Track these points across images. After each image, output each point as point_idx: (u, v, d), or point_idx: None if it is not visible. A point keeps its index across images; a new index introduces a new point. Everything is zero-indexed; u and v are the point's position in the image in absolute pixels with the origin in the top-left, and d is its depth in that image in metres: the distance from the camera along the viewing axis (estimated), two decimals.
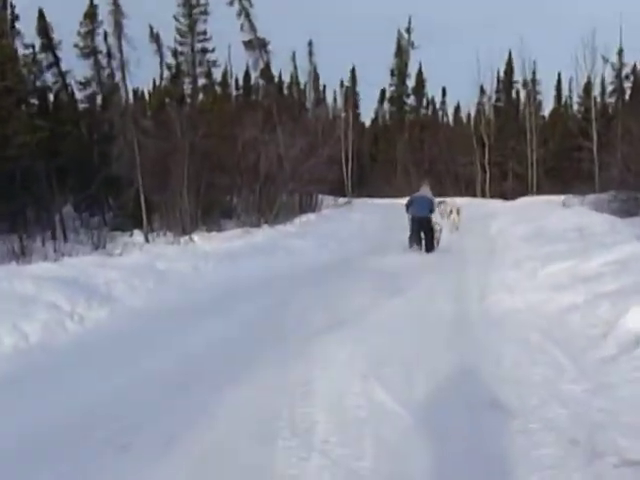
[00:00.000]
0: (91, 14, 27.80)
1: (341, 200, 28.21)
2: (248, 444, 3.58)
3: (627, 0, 49.15)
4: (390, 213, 24.26)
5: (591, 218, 14.19)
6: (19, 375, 4.68)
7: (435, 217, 14.57)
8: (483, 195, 39.04)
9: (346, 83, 47.83)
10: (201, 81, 33.38)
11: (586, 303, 6.26)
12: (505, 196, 35.10)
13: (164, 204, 20.23)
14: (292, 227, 15.65)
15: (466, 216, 19.51)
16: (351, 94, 46.45)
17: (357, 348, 5.42)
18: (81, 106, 29.63)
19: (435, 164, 40.38)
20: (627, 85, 38.69)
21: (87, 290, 6.74)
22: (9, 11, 25.36)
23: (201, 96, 33.20)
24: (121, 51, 24.13)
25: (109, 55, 28.05)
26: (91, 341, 5.73)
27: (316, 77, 45.55)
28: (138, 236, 19.82)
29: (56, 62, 27.47)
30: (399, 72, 46.40)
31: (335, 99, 49.00)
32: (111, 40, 26.69)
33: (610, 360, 4.70)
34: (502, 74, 43.42)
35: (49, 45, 27.22)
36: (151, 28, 32.45)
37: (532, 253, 9.89)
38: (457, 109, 50.14)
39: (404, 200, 15.16)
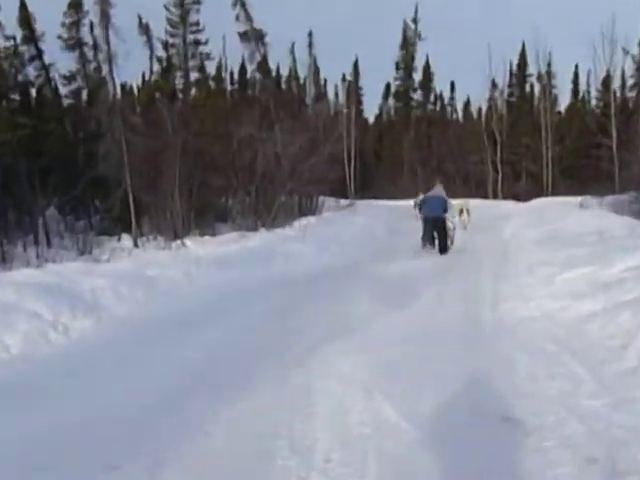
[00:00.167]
0: (76, 4, 27.88)
1: (343, 202, 28.23)
2: (245, 463, 3.58)
3: None
4: (395, 215, 24.36)
5: (610, 221, 14.17)
6: None
7: (449, 217, 14.74)
8: (495, 196, 39.08)
9: (348, 77, 48.06)
10: (193, 75, 33.54)
11: (606, 312, 6.25)
12: (518, 197, 35.13)
13: (154, 206, 20.22)
14: (291, 231, 15.64)
15: (476, 218, 19.54)
16: (354, 89, 46.60)
17: (360, 360, 5.41)
18: (65, 102, 29.70)
19: (443, 163, 40.44)
20: None
21: (72, 298, 6.74)
22: None
23: (194, 91, 33.31)
24: (108, 43, 24.12)
25: (95, 47, 28.12)
26: (76, 353, 5.73)
27: (316, 70, 45.69)
28: (126, 241, 19.82)
29: (39, 55, 27.54)
30: (405, 65, 46.56)
31: (337, 94, 49.22)
32: (97, 31, 26.66)
33: (631, 373, 4.69)
34: (515, 67, 43.58)
35: (31, 37, 27.28)
36: (140, 18, 32.64)
37: (548, 258, 9.88)
38: (467, 104, 50.34)
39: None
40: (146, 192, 20.27)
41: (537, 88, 42.94)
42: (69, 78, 29.20)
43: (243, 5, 30.00)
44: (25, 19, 27.00)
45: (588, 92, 44.21)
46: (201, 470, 3.53)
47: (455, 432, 3.92)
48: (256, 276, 9.98)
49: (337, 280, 10.23)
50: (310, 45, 43.79)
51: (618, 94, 38.61)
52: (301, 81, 43.64)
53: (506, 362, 5.28)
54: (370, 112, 53.57)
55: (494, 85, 43.03)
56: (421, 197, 27.34)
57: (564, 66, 54.73)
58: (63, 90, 29.58)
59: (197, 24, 32.84)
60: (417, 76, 47.33)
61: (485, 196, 37.87)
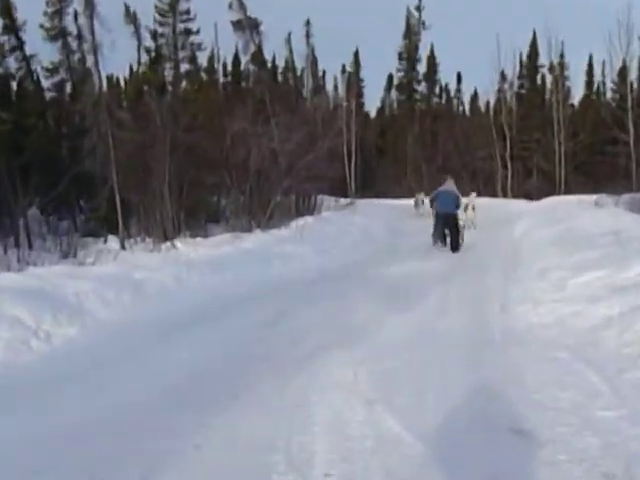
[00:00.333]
0: None
1: (343, 201, 28.19)
2: (238, 478, 3.58)
3: None
4: (398, 215, 24.36)
5: (627, 220, 14.16)
6: None
7: (460, 213, 15.01)
8: (504, 194, 39.04)
9: (348, 68, 48.04)
10: (184, 67, 33.51)
11: (622, 317, 6.25)
12: (529, 195, 35.08)
13: (143, 206, 20.20)
14: (288, 231, 15.62)
15: (485, 218, 19.54)
16: (354, 80, 46.57)
17: (362, 369, 5.41)
18: (48, 95, 29.65)
19: (450, 159, 40.36)
20: None
21: (55, 304, 6.74)
22: None
23: (184, 83, 33.27)
24: (93, 33, 24.07)
25: (80, 37, 28.11)
26: (58, 361, 5.73)
27: (314, 61, 45.74)
28: (113, 242, 19.79)
29: (20, 46, 27.48)
30: (408, 55, 46.55)
31: (336, 86, 49.21)
32: (82, 20, 26.66)
33: None
34: (525, 57, 43.53)
35: (12, 26, 27.21)
36: (127, 7, 32.59)
37: (560, 260, 9.89)
38: (474, 97, 50.32)
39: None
40: (134, 191, 20.26)
41: (549, 80, 42.89)
42: (52, 70, 29.15)
43: None
44: (5, 7, 26.93)
45: (603, 84, 44.28)
46: None
47: (462, 445, 3.92)
48: (251, 280, 9.98)
49: (336, 284, 10.24)
50: (307, 34, 43.85)
51: (635, 86, 38.54)
52: (298, 73, 43.69)
53: (516, 371, 5.29)
54: (371, 105, 53.65)
55: (503, 77, 42.99)
56: (420, 196, 27.66)
57: (577, 56, 54.72)
58: (45, 83, 29.56)
59: (188, 12, 32.85)
60: (421, 67, 47.34)
61: (494, 194, 37.81)
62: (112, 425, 4.32)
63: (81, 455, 3.84)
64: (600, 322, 6.37)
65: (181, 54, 33.01)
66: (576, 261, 9.35)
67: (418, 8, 45.54)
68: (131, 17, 32.63)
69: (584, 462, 3.57)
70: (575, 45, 55.80)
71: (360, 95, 47.94)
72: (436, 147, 43.10)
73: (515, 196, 37.17)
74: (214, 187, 21.90)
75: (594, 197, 23.43)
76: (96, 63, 24.10)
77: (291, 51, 42.50)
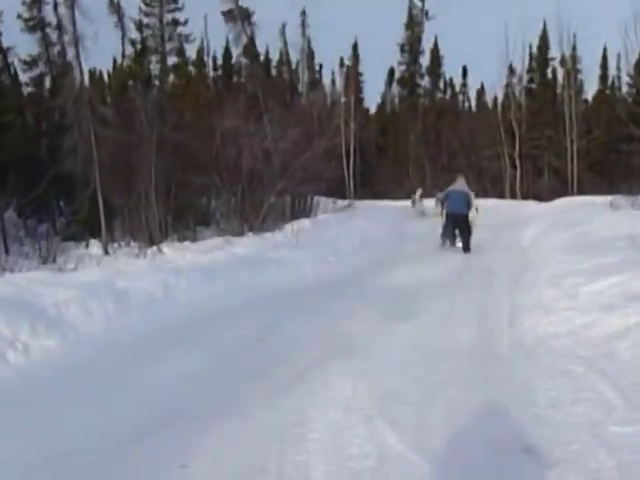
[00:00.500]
0: None
1: (341, 203, 28.24)
2: None
3: None
4: (400, 218, 24.37)
5: None
6: None
7: (472, 213, 15.39)
8: (513, 195, 39.12)
9: (347, 61, 48.16)
10: (171, 60, 33.67)
11: (638, 327, 6.26)
12: (540, 196, 35.14)
13: (127, 208, 20.20)
14: (282, 236, 15.63)
15: (492, 220, 19.56)
16: (353, 74, 46.64)
17: (361, 383, 5.41)
18: (26, 90, 29.71)
19: (454, 159, 40.49)
20: None
21: (32, 313, 6.72)
22: None
23: (171, 78, 33.37)
24: (74, 23, 24.05)
25: (60, 28, 28.10)
26: (36, 375, 5.72)
27: (310, 54, 45.83)
28: (95, 247, 19.77)
29: None
30: (411, 48, 46.69)
31: (334, 81, 49.41)
32: (62, 10, 26.68)
33: None
34: (535, 49, 43.65)
35: None
36: None
37: (573, 266, 9.89)
38: (481, 92, 50.51)
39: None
40: (118, 192, 20.25)
41: (560, 73, 43.06)
42: (30, 63, 29.20)
43: None
44: None
45: (618, 78, 44.46)
46: None
47: (468, 465, 3.92)
48: (242, 288, 9.98)
49: (334, 291, 10.24)
50: (303, 25, 43.99)
51: None
52: (293, 66, 43.77)
53: (525, 386, 5.29)
54: (371, 101, 53.78)
55: (512, 70, 43.15)
56: (419, 194, 27.84)
57: (591, 48, 54.95)
58: (23, 77, 29.65)
59: (175, 2, 33.02)
60: (424, 60, 47.55)
61: (502, 195, 37.91)
62: (91, 446, 4.31)
63: None
64: (615, 332, 6.37)
65: (168, 46, 33.14)
66: (589, 267, 9.35)
67: None
68: (115, 7, 32.73)
69: None
70: (588, 36, 56.06)
71: (359, 90, 48.05)
72: (440, 145, 43.22)
73: (524, 197, 37.25)
74: (203, 188, 21.89)
75: (609, 198, 23.44)
76: (77, 56, 24.07)
77: (285, 43, 42.68)
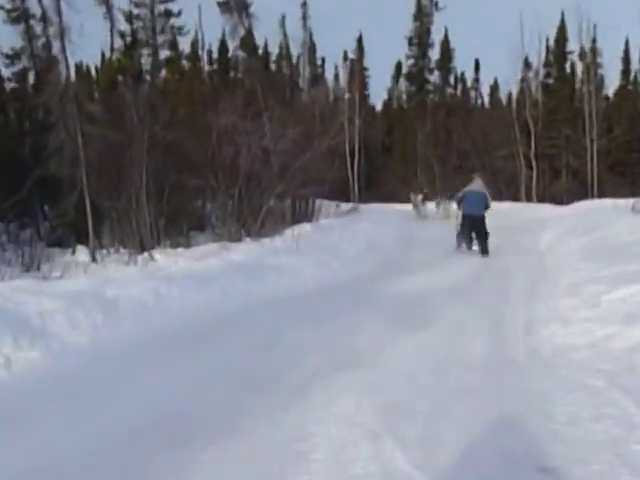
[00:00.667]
0: None
1: (345, 206, 28.25)
2: None
3: None
4: (408, 222, 24.39)
5: None
6: None
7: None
8: (529, 198, 39.08)
9: (351, 55, 48.19)
10: (164, 53, 33.64)
11: None
12: (558, 199, 35.13)
13: (116, 212, 20.20)
14: (282, 241, 15.64)
15: (506, 225, 19.56)
16: (357, 69, 46.68)
17: (366, 398, 5.41)
18: (8, 86, 29.72)
19: (466, 159, 40.42)
20: None
21: (15, 324, 6.73)
22: None
23: (164, 72, 33.37)
24: (60, 14, 24.10)
25: (44, 20, 28.10)
26: (19, 390, 5.72)
27: (312, 48, 45.88)
28: (82, 254, 19.77)
29: None
30: (419, 40, 46.72)
31: (337, 76, 49.43)
32: (47, 1, 26.75)
33: None
34: (552, 42, 43.65)
35: None
36: None
37: (593, 273, 9.89)
38: (494, 88, 50.51)
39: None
40: (106, 195, 20.25)
41: (579, 68, 43.04)
42: (12, 57, 29.24)
43: None
44: None
45: None
46: None
47: None
48: (239, 296, 9.98)
49: (337, 300, 10.23)
50: (304, 17, 44.01)
51: None
52: (294, 61, 43.80)
53: (543, 400, 5.28)
54: (377, 98, 53.98)
55: (527, 64, 43.12)
56: (420, 196, 28.05)
57: (612, 41, 54.97)
58: (5, 72, 29.64)
59: None
60: (434, 54, 47.55)
61: (517, 198, 37.88)
62: (76, 465, 4.30)
63: None
64: (638, 344, 6.37)
65: (160, 39, 33.12)
66: (611, 274, 9.35)
67: None
68: None
69: None
70: (609, 28, 55.95)
71: (364, 86, 48.07)
72: (450, 145, 43.15)
73: (541, 200, 37.19)
74: (198, 191, 21.90)
75: (631, 201, 23.45)
76: (63, 49, 24.09)
77: (285, 36, 42.71)
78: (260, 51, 38.62)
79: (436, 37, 47.03)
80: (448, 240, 17.00)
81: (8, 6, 28.21)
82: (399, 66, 49.44)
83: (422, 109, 45.74)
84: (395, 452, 4.33)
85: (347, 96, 43.00)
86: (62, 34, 23.65)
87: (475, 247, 15.77)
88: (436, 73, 48.01)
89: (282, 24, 42.15)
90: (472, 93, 51.40)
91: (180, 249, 15.75)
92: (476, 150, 41.09)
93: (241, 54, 34.90)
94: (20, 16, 28.44)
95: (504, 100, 48.11)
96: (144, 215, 19.40)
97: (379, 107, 52.18)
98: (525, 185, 40.65)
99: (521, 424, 4.82)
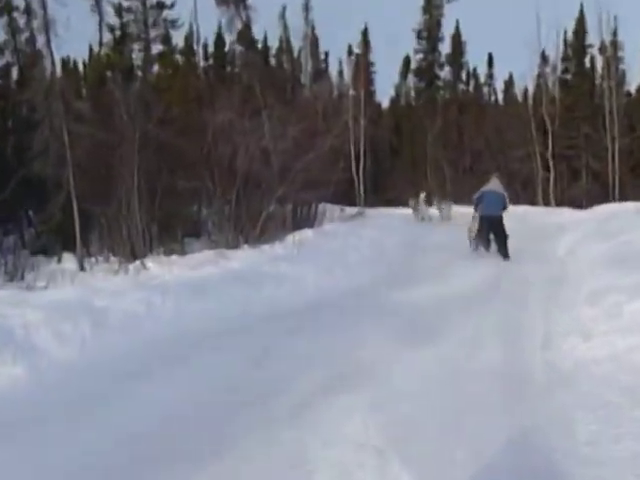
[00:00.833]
0: None
1: (350, 210, 28.27)
2: None
3: None
4: (417, 228, 24.38)
5: None
6: None
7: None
8: (546, 201, 39.07)
9: (356, 49, 48.27)
10: (156, 48, 33.76)
11: None
12: (577, 202, 35.11)
13: (106, 217, 20.22)
14: (283, 248, 15.64)
15: (521, 230, 19.55)
16: (363, 64, 46.76)
17: (371, 416, 5.40)
18: None
19: (479, 160, 40.48)
20: None
21: None
22: None
23: (156, 68, 33.45)
24: (45, 7, 24.23)
25: (28, 12, 28.28)
26: (1, 408, 5.71)
27: (314, 41, 45.94)
28: (69, 262, 19.81)
29: None
30: (429, 34, 46.82)
31: (341, 71, 49.55)
32: None
33: None
34: (571, 35, 43.69)
35: None
36: None
37: (615, 282, 9.87)
38: (509, 84, 50.52)
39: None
40: (95, 199, 20.26)
41: (599, 62, 43.09)
42: None
43: None
44: None
45: None
46: None
47: None
48: (237, 307, 9.97)
49: (340, 311, 10.24)
50: (306, 8, 44.11)
51: None
52: (295, 55, 43.85)
53: (561, 419, 5.28)
54: (384, 95, 53.99)
55: (544, 59, 43.18)
56: (422, 198, 28.37)
57: (634, 34, 54.92)
58: None
59: None
60: (444, 48, 47.66)
61: (534, 201, 37.86)
62: None
63: None
64: None
65: (152, 33, 33.24)
66: (633, 282, 9.33)
67: None
68: None
69: None
70: (631, 20, 56.02)
71: (370, 82, 48.15)
72: (462, 145, 43.25)
73: (559, 203, 37.19)
74: (193, 194, 21.92)
75: None
76: (48, 43, 24.18)
77: (286, 28, 42.84)
78: (259, 45, 38.79)
79: (447, 30, 47.22)
80: (457, 243, 17.14)
81: None
82: (407, 61, 49.54)
83: (432, 107, 45.78)
84: (402, 474, 4.33)
85: (352, 93, 43.03)
86: (47, 27, 23.74)
87: (492, 249, 16.02)
88: (447, 68, 48.15)
89: (282, 16, 42.35)
90: (485, 89, 51.52)
91: (174, 257, 15.76)
92: (490, 150, 41.09)
93: (238, 48, 35.02)
94: (3, 8, 28.52)
95: (519, 97, 48.17)
96: (135, 220, 19.41)
97: (386, 105, 52.34)
98: (542, 188, 40.63)
99: (538, 443, 4.82)
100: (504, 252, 15.75)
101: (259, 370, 7.03)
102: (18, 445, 5.03)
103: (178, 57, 35.76)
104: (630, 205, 26.36)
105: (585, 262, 13.38)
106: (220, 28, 39.24)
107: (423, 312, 9.88)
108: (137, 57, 32.69)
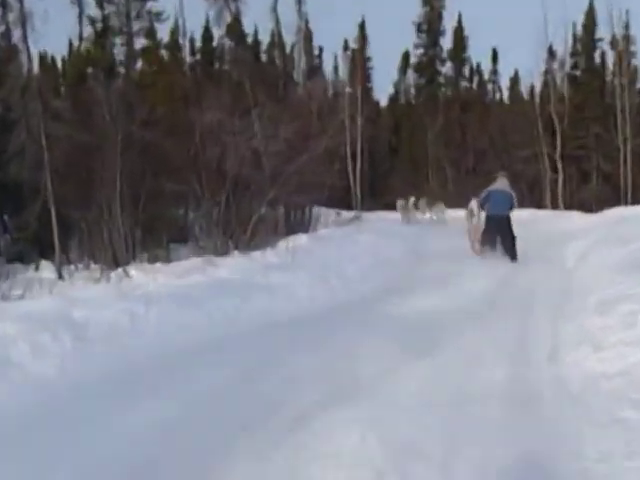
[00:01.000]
0: None
1: (346, 215, 28.32)
2: None
3: None
4: (416, 232, 24.38)
5: None
6: None
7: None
8: (554, 205, 39.11)
9: (352, 44, 48.33)
10: (140, 42, 33.72)
11: None
12: (586, 206, 35.16)
13: (86, 223, 20.23)
14: (274, 255, 15.64)
15: (528, 235, 19.57)
16: (359, 60, 46.82)
17: (370, 433, 5.39)
18: None
19: (483, 160, 40.54)
20: None
21: None
22: None
23: (140, 64, 33.46)
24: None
25: (3, 5, 28.23)
26: None
27: (308, 36, 45.99)
28: (47, 270, 19.80)
29: None
30: (429, 27, 46.92)
31: (336, 68, 49.62)
32: None
33: None
34: (580, 29, 43.78)
35: None
36: None
37: (627, 290, 9.88)
38: (514, 80, 50.61)
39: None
40: (74, 203, 20.27)
41: (610, 58, 43.16)
42: None
43: None
44: None
45: None
46: None
47: None
48: (226, 318, 9.98)
49: (336, 323, 10.23)
50: (299, 1, 44.11)
51: None
52: (287, 50, 43.87)
53: (571, 436, 5.28)
54: (382, 92, 54.08)
55: (552, 54, 43.27)
56: (411, 202, 28.66)
57: None
58: None
59: None
60: (446, 42, 47.73)
61: (541, 205, 37.90)
62: None
63: None
64: None
65: (135, 26, 33.20)
66: None
67: None
68: None
69: None
70: None
71: (367, 79, 48.21)
72: (465, 145, 43.33)
73: (568, 207, 37.23)
74: (179, 198, 21.95)
75: None
76: (24, 38, 24.23)
77: (278, 22, 42.71)
78: (249, 40, 38.77)
79: (448, 23, 47.33)
80: (457, 249, 17.24)
81: None
82: (406, 56, 49.64)
83: (433, 105, 45.87)
84: None
85: (348, 90, 43.16)
86: (24, 21, 23.76)
87: (498, 251, 16.16)
88: (448, 64, 48.27)
89: (274, 8, 42.18)
90: (489, 86, 51.62)
91: (159, 264, 15.76)
92: (494, 151, 41.18)
93: (227, 43, 35.10)
94: None
95: (525, 94, 48.32)
96: (118, 225, 19.41)
97: (384, 103, 52.46)
98: (550, 190, 40.66)
99: (547, 463, 4.82)
100: (512, 254, 16.06)
101: (248, 387, 7.02)
102: (13, 453, 5.06)
103: (163, 52, 35.82)
104: None
105: (596, 269, 13.39)
106: (208, 21, 39.40)
107: (423, 325, 9.85)
108: (119, 52, 32.67)
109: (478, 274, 14.74)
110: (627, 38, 41.34)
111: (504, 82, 51.70)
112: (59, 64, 39.48)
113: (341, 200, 31.52)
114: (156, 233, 20.79)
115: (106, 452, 5.33)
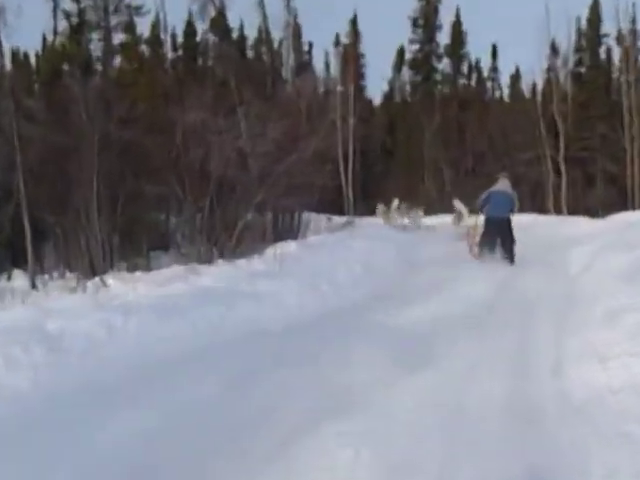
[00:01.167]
0: None
1: (338, 220, 28.31)
2: None
3: None
4: (411, 238, 24.41)
5: None
6: None
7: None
8: (557, 210, 39.17)
9: (344, 39, 48.39)
10: (118, 37, 33.73)
11: None
12: (592, 211, 35.23)
13: (61, 229, 20.18)
14: (262, 263, 15.64)
15: (530, 242, 19.63)
16: (352, 56, 46.86)
17: (364, 450, 5.40)
18: None
19: (482, 162, 40.60)
20: None
21: None
22: None
23: (118, 60, 33.44)
24: None
25: None
26: None
27: (297, 31, 46.05)
28: (20, 279, 19.75)
29: None
30: (425, 22, 47.03)
31: (327, 64, 49.61)
32: None
33: None
34: (584, 23, 43.91)
35: None
36: None
37: (634, 299, 9.92)
38: (515, 78, 50.74)
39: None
40: (49, 208, 20.23)
41: (616, 54, 43.30)
42: None
43: None
44: None
45: None
46: None
47: None
48: (210, 329, 9.97)
49: (327, 333, 10.21)
50: None
51: None
52: (275, 46, 43.92)
53: (576, 452, 5.30)
54: (376, 90, 54.12)
55: (554, 50, 43.38)
56: (395, 205, 28.92)
57: None
58: None
59: None
60: (443, 37, 47.81)
61: (543, 209, 37.93)
62: None
63: None
64: None
65: (113, 20, 33.25)
66: None
67: None
68: None
69: None
70: None
71: (360, 76, 48.27)
72: (463, 146, 43.38)
73: (572, 212, 37.25)
74: (160, 202, 21.92)
75: None
76: None
77: (265, 17, 42.81)
78: (234, 35, 38.81)
79: (445, 18, 47.43)
80: (452, 255, 17.39)
81: None
82: (401, 52, 49.71)
83: (429, 103, 45.97)
84: None
85: (339, 89, 43.20)
86: None
87: (498, 254, 16.36)
88: (446, 60, 48.39)
89: (261, 2, 42.27)
90: (489, 84, 51.75)
91: (138, 273, 15.76)
92: (494, 152, 41.24)
93: (212, 38, 35.16)
94: None
95: (527, 93, 48.45)
96: (95, 231, 19.38)
97: (378, 101, 52.56)
98: (553, 194, 40.72)
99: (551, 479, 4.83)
100: (510, 257, 16.43)
101: (233, 401, 7.01)
102: None
103: (143, 48, 35.82)
104: None
105: (601, 278, 13.43)
106: (190, 15, 39.44)
107: (419, 334, 9.88)
108: (96, 48, 32.75)
109: (476, 279, 14.77)
110: (634, 33, 41.44)
111: (504, 80, 51.99)
112: (32, 61, 39.47)
113: (332, 205, 31.54)
114: (136, 239, 20.74)
115: (77, 464, 5.32)
